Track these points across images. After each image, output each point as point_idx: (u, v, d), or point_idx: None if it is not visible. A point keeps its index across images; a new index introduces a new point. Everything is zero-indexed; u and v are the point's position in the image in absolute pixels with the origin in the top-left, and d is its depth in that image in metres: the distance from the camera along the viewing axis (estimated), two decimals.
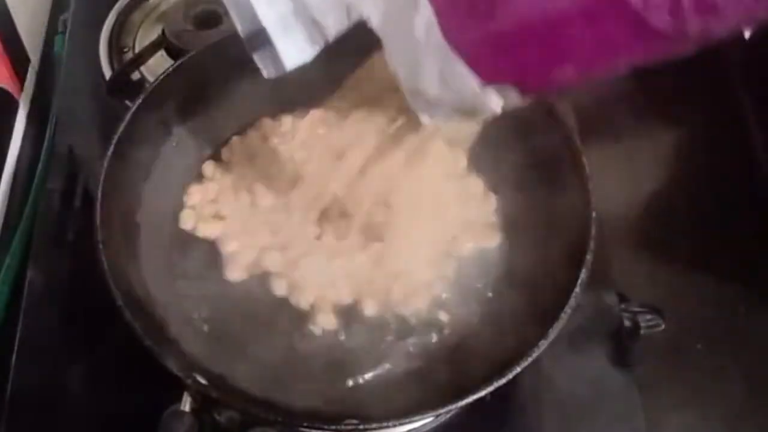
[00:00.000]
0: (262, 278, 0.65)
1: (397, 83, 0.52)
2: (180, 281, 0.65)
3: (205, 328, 0.63)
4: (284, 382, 0.60)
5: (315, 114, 0.73)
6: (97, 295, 0.57)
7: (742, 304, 0.73)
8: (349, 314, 0.63)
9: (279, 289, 0.64)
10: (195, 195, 0.68)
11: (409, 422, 0.58)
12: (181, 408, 0.56)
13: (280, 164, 0.70)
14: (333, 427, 0.53)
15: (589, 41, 0.44)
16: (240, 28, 0.52)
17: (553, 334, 0.55)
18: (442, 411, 0.58)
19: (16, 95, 0.82)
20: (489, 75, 0.47)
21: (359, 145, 0.63)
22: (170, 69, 0.67)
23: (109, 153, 0.61)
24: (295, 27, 0.51)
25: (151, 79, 0.76)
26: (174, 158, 0.69)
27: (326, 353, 0.62)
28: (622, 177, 0.80)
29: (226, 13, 0.79)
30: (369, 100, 0.61)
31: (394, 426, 0.56)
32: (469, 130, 0.61)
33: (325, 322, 0.63)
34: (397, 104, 0.56)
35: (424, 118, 0.53)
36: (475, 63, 0.47)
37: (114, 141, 0.62)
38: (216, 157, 0.71)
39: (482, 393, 0.53)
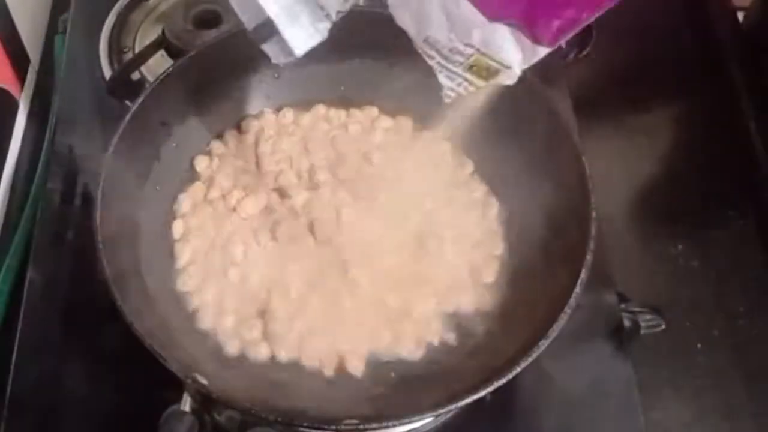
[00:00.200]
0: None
1: None
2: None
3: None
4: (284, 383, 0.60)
5: (318, 110, 0.73)
6: (97, 295, 0.57)
7: (742, 304, 0.73)
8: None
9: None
10: (185, 202, 0.68)
11: (409, 422, 0.58)
12: (181, 408, 0.56)
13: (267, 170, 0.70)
14: (333, 427, 0.53)
15: None
16: (245, 21, 0.52)
17: (553, 334, 0.55)
18: (442, 411, 0.58)
19: (16, 95, 0.82)
20: (494, 12, 0.47)
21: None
22: (170, 69, 0.67)
23: (109, 153, 0.61)
24: (300, 14, 0.51)
25: (151, 79, 0.76)
26: (174, 158, 0.69)
27: None
28: (622, 177, 0.80)
29: (226, 13, 0.80)
30: None
31: (394, 426, 0.56)
32: (459, 114, 0.61)
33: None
34: None
35: (442, 79, 0.53)
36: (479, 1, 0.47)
37: (114, 141, 0.62)
38: (209, 151, 0.71)
39: (482, 393, 0.53)
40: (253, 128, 0.72)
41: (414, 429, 0.62)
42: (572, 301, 0.56)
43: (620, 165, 0.80)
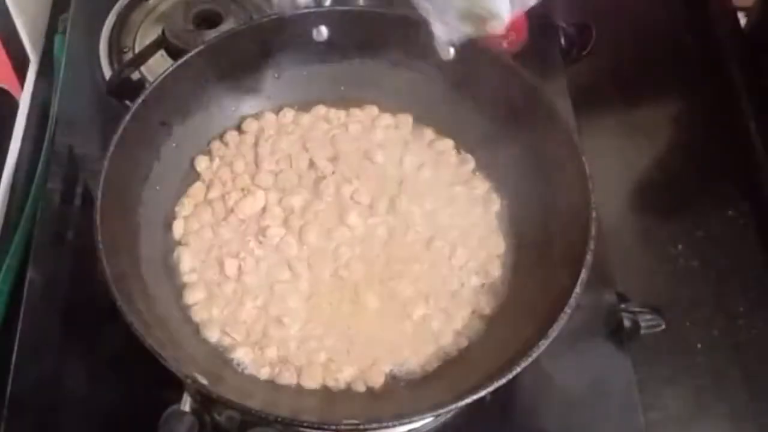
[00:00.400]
0: None
1: None
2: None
3: None
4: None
5: (318, 110, 0.73)
6: (97, 295, 0.57)
7: (742, 304, 0.73)
8: None
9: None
10: (186, 203, 0.68)
11: (409, 422, 0.58)
12: (181, 408, 0.56)
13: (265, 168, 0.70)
14: (333, 427, 0.53)
15: None
16: None
17: (553, 334, 0.55)
18: (442, 411, 0.58)
19: (16, 95, 0.82)
20: None
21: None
22: (170, 69, 0.67)
23: (109, 153, 0.61)
24: None
25: (151, 79, 0.76)
26: (174, 158, 0.69)
27: None
28: (622, 177, 0.80)
29: (226, 13, 0.80)
30: None
31: (394, 426, 0.56)
32: None
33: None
34: None
35: (437, 30, 0.53)
36: None
37: (114, 141, 0.62)
38: (209, 151, 0.71)
39: (482, 393, 0.53)
40: (253, 128, 0.72)
41: (414, 429, 0.62)
42: (572, 301, 0.56)
43: (620, 165, 0.80)
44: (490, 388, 0.53)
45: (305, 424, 0.55)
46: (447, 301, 0.64)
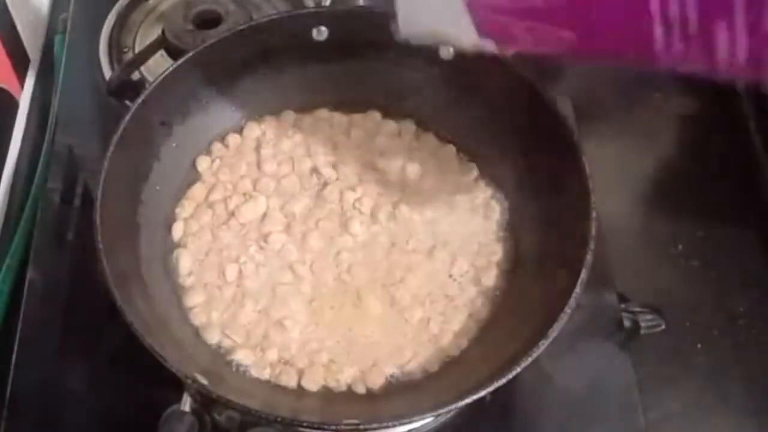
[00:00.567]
0: None
1: None
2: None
3: None
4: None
5: (320, 112, 0.73)
6: (97, 295, 0.57)
7: (742, 304, 0.73)
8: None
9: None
10: (186, 204, 0.68)
11: (409, 422, 0.57)
12: (181, 408, 0.56)
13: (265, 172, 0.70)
14: (333, 427, 0.53)
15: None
16: None
17: (553, 334, 0.55)
18: (442, 411, 0.58)
19: (16, 95, 0.82)
20: (486, 29, 0.49)
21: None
22: (170, 69, 0.67)
23: (109, 153, 0.61)
24: None
25: (151, 79, 0.76)
26: (174, 158, 0.69)
27: None
28: (622, 177, 0.80)
29: (226, 13, 0.80)
30: None
31: (394, 426, 0.56)
32: None
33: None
34: None
35: (400, 34, 0.54)
36: (479, 17, 0.48)
37: (114, 141, 0.62)
38: (210, 152, 0.71)
39: (482, 393, 0.53)
40: (254, 130, 0.72)
41: (414, 429, 0.62)
42: (572, 301, 0.56)
43: (620, 165, 0.80)
44: (490, 388, 0.53)
45: (305, 424, 0.55)
46: (446, 305, 0.64)
